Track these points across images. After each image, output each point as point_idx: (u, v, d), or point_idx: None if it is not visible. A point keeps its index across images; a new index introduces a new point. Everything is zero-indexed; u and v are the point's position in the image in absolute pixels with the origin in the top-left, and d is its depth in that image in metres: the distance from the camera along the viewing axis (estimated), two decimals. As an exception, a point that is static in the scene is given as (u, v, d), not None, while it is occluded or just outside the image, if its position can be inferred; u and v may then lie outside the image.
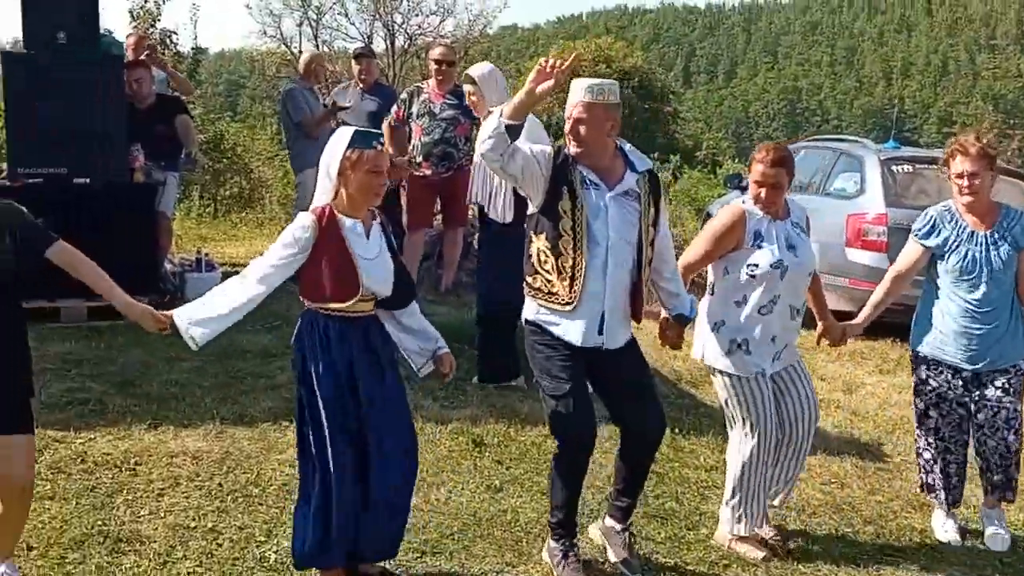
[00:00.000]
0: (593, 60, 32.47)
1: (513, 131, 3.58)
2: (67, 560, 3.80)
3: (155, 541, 3.93)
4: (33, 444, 3.52)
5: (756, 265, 4.02)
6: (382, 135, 3.68)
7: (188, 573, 3.75)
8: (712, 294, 4.20)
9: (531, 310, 3.87)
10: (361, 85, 8.68)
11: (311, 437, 3.50)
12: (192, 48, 17.22)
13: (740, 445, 4.17)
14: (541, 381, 3.83)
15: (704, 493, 4.76)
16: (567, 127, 3.73)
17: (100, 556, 3.84)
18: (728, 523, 4.24)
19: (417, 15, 24.86)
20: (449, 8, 25.01)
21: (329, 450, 3.45)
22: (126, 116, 6.82)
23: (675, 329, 4.07)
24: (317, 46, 25.16)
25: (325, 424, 3.45)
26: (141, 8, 15.67)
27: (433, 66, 7.28)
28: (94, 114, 6.26)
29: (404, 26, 24.72)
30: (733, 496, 4.20)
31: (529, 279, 3.84)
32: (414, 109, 7.19)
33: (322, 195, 3.50)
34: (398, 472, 3.56)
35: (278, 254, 3.43)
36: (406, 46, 24.78)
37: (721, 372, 4.15)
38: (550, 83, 3.50)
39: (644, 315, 3.92)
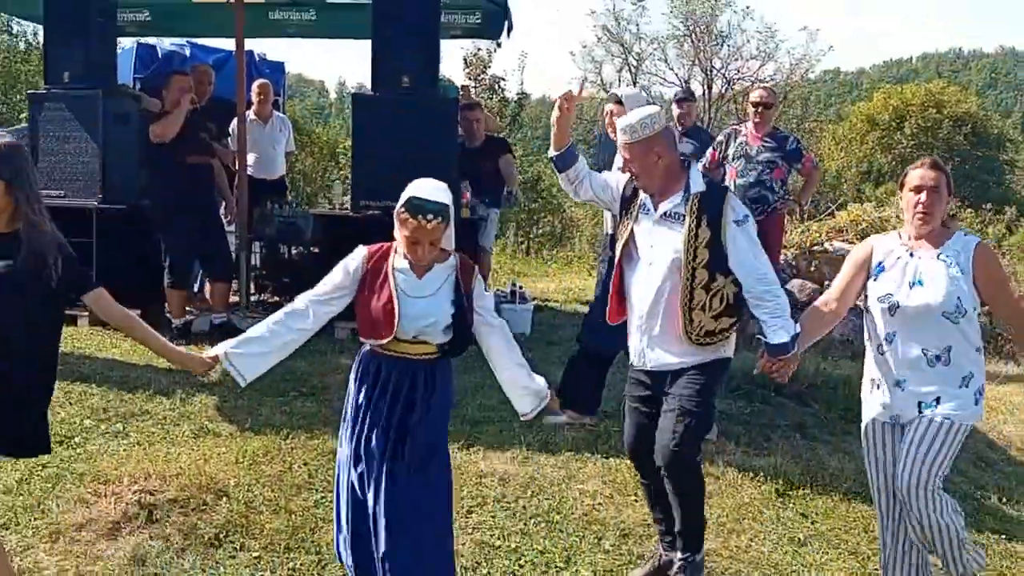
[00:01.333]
0: (923, 105, 30.71)
1: (560, 161, 3.96)
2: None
3: (463, 555, 4.11)
4: None
5: (866, 297, 3.78)
6: (441, 208, 3.33)
7: (492, 590, 3.91)
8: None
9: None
10: (679, 127, 8.75)
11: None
12: (517, 93, 18.08)
13: None
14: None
15: None
16: (622, 167, 4.01)
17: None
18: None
19: (737, 59, 24.65)
20: (770, 52, 24.59)
21: (341, 475, 3.56)
22: (455, 153, 7.28)
23: (768, 359, 3.78)
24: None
25: (341, 460, 3.56)
26: (474, 56, 16.69)
27: (751, 109, 7.22)
28: (430, 152, 6.71)
29: (723, 71, 24.60)
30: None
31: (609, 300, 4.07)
32: (730, 151, 7.14)
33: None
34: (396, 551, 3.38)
35: (321, 288, 3.49)
36: (723, 91, 24.63)
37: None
38: (557, 113, 3.94)
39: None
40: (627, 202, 3.93)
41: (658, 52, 26.20)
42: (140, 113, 7.47)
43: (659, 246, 3.78)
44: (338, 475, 3.59)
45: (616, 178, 4.07)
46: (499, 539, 4.28)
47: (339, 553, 3.66)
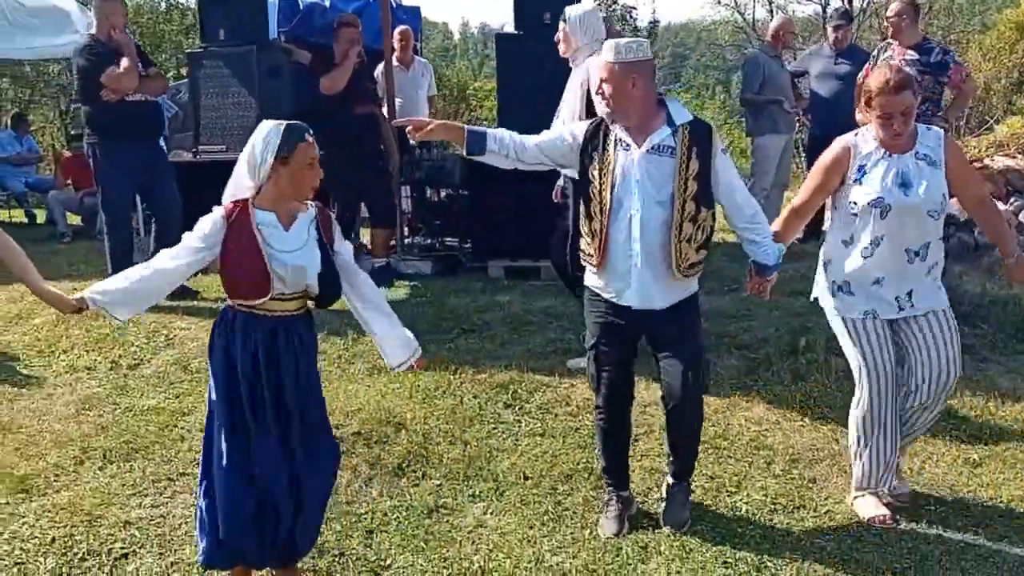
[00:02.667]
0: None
1: (474, 147, 3.82)
2: (557, 491, 4.24)
3: (632, 482, 4.23)
4: None
5: (855, 203, 3.81)
6: (308, 130, 3.27)
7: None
8: (830, 234, 4.01)
9: (587, 273, 3.95)
10: (834, 48, 8.53)
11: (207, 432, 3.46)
12: (649, 22, 17.79)
13: (857, 395, 3.98)
14: (587, 336, 3.99)
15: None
16: (596, 87, 3.74)
17: (586, 490, 4.24)
18: (854, 480, 4.06)
19: (879, -30, 23.48)
20: (912, -38, 23.29)
21: (216, 446, 3.35)
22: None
23: (756, 278, 3.91)
24: (771, 11, 24.78)
25: (216, 421, 3.36)
26: (603, -14, 16.45)
27: (888, 22, 6.93)
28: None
29: (865, -15, 23.51)
30: (853, 451, 4.03)
31: (580, 243, 3.93)
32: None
33: (240, 191, 3.32)
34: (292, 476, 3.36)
35: (186, 243, 3.30)
36: (863, 5, 23.58)
37: (831, 314, 4.01)
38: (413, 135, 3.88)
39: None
40: (592, 144, 3.79)
41: (798, -35, 25.25)
42: (291, 66, 7.73)
43: (647, 180, 3.67)
44: (212, 448, 3.41)
45: (569, 128, 3.94)
46: (666, 466, 4.38)
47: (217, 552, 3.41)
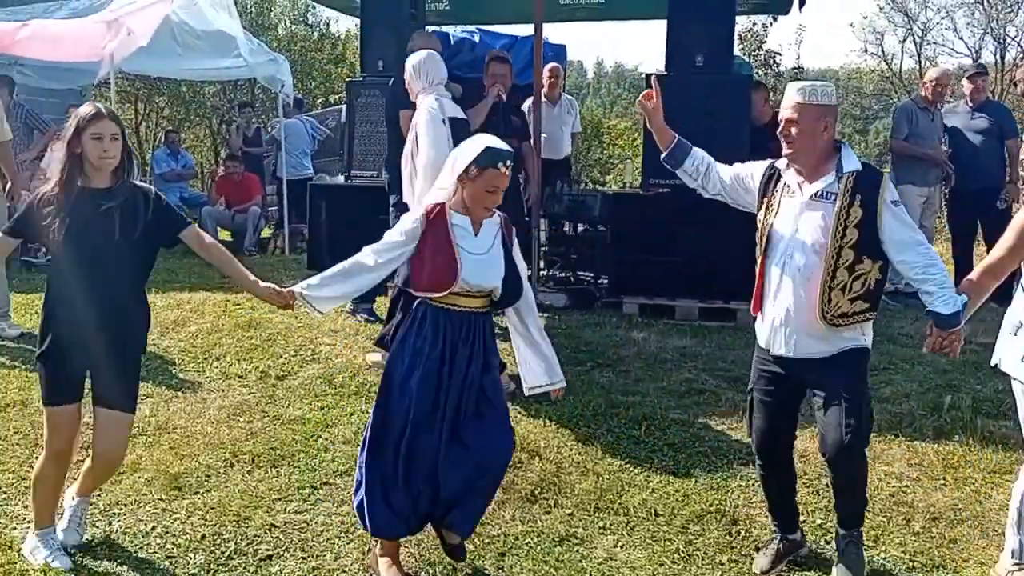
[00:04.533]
0: None
1: (671, 159, 3.91)
2: (689, 530, 4.23)
3: (765, 528, 4.19)
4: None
5: None
6: (511, 155, 3.59)
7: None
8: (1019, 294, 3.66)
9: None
10: (970, 104, 8.35)
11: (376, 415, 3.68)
12: (793, 68, 17.61)
13: None
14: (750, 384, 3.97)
15: None
16: (780, 128, 3.67)
17: (718, 532, 4.23)
18: (1008, 551, 3.78)
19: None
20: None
21: (393, 433, 3.59)
22: (748, 131, 7.27)
23: (936, 332, 3.58)
24: (919, 62, 24.24)
25: (389, 404, 3.62)
26: (748, 31, 16.40)
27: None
28: (722, 130, 6.73)
29: (1018, 39, 22.82)
30: (1013, 520, 3.75)
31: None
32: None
33: (440, 192, 3.67)
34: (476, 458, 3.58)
35: (384, 243, 3.63)
36: (1017, 59, 22.82)
37: (1020, 382, 3.67)
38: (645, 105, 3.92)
39: None
40: (763, 188, 3.78)
41: (946, 21, 24.68)
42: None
43: (805, 227, 3.63)
44: (387, 425, 3.65)
45: (749, 169, 3.90)
46: (803, 514, 4.32)
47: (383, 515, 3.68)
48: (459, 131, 5.70)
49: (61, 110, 12.20)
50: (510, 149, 3.61)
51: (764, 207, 3.77)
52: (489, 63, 7.61)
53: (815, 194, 3.65)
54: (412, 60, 5.85)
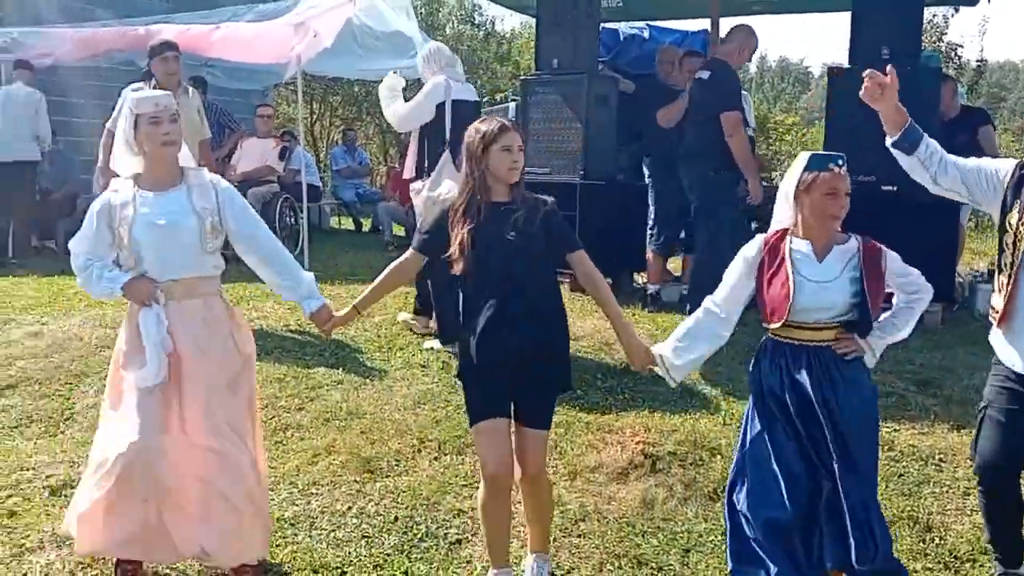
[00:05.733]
0: None
1: (903, 141, 3.46)
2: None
3: (962, 537, 4.04)
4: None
5: None
6: (841, 156, 3.34)
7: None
8: None
9: (992, 331, 3.56)
10: None
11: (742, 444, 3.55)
12: (976, 60, 16.81)
13: None
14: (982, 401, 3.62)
15: None
16: None
17: (911, 539, 4.14)
18: None
19: None
20: None
21: (748, 465, 3.46)
22: (938, 127, 6.98)
23: None
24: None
25: (747, 440, 3.49)
26: (928, 23, 15.76)
27: None
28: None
29: None
30: None
31: (991, 299, 3.57)
32: None
33: (780, 223, 3.46)
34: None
35: (725, 286, 3.48)
36: None
37: None
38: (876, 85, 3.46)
39: None
40: (1014, 190, 3.40)
41: None
42: (618, 95, 8.01)
43: None
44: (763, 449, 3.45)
45: (993, 164, 3.53)
46: None
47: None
48: (465, 112, 6.08)
49: (245, 109, 12.91)
50: (839, 153, 3.40)
51: (1018, 209, 3.38)
52: (683, 59, 7.61)
53: None
54: (421, 52, 6.65)
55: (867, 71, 3.53)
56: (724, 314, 3.49)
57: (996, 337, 3.55)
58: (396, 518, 4.27)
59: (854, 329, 3.37)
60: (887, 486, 4.52)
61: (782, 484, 3.35)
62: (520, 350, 3.47)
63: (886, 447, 4.86)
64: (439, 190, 5.98)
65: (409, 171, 6.42)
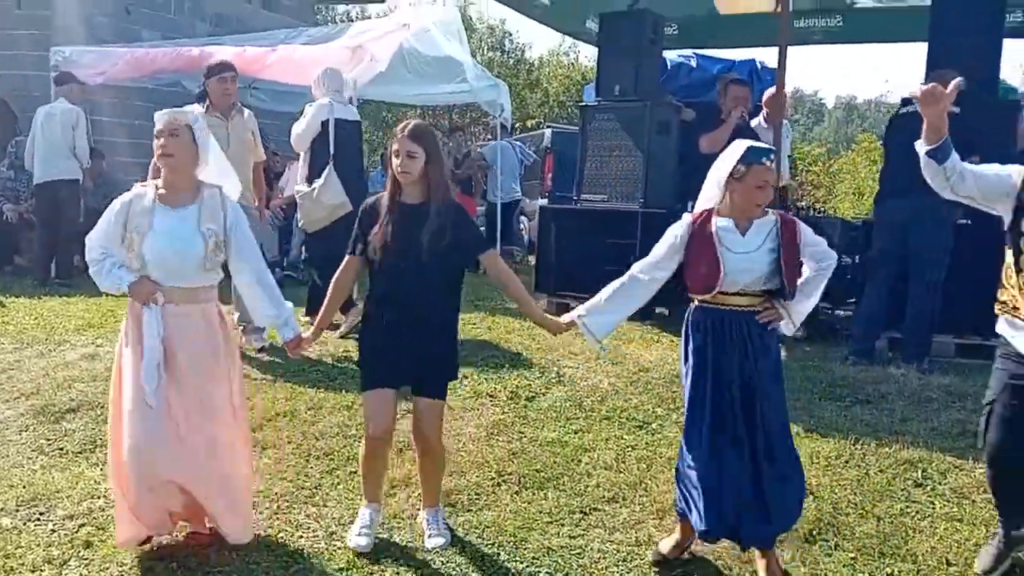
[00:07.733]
0: None
1: (939, 153, 3.59)
2: None
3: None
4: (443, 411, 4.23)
5: None
6: (773, 150, 3.75)
7: None
8: None
9: (1000, 323, 3.71)
10: None
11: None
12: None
13: None
14: (989, 392, 3.78)
15: None
16: None
17: None
18: None
19: None
20: None
21: (691, 432, 3.80)
22: (1015, 159, 6.84)
23: None
24: None
25: (686, 407, 3.84)
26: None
27: None
28: (988, 157, 6.32)
29: None
30: None
31: (998, 292, 3.71)
32: None
33: (707, 201, 3.79)
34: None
35: (654, 256, 3.84)
36: None
37: None
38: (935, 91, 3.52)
39: None
40: None
41: None
42: (679, 123, 7.90)
43: None
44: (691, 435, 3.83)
45: (1006, 169, 3.72)
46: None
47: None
48: (346, 131, 7.24)
49: (283, 132, 12.86)
50: (771, 147, 3.79)
51: None
52: (728, 84, 7.51)
53: None
54: (315, 74, 7.49)
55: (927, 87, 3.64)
56: (647, 278, 3.87)
57: (1007, 328, 3.72)
58: (483, 556, 4.11)
59: (776, 296, 3.73)
60: (988, 528, 4.33)
61: (704, 441, 3.76)
62: (413, 339, 3.96)
63: (979, 488, 4.69)
64: (326, 196, 7.10)
65: (300, 181, 7.34)
